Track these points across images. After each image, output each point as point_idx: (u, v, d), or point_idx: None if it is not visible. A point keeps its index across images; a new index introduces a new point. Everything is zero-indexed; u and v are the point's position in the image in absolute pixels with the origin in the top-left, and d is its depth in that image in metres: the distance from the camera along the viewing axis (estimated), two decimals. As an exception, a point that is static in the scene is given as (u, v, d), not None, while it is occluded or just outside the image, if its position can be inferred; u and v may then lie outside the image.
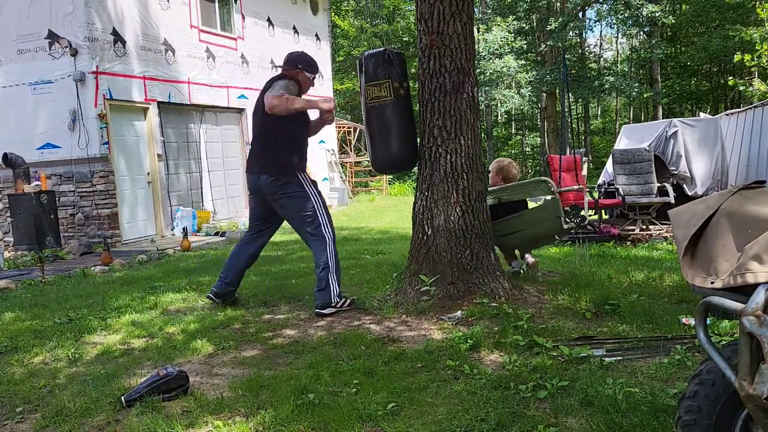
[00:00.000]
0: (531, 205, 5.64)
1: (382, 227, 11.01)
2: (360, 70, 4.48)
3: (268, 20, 13.93)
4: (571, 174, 8.29)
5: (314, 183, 4.50)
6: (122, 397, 2.91)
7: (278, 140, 4.36)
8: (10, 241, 9.13)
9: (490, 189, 5.12)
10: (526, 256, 5.31)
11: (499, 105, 26.56)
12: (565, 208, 5.93)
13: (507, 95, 24.60)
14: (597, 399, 2.62)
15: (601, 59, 34.39)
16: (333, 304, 4.33)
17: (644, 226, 7.95)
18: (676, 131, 8.26)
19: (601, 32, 36.84)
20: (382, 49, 4.45)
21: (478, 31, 22.69)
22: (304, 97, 4.43)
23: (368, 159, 18.16)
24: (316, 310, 4.34)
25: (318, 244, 4.38)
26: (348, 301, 4.44)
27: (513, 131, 35.19)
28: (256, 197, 4.56)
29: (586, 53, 31.76)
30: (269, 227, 4.71)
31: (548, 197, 5.21)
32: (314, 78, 4.60)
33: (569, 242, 7.21)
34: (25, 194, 8.69)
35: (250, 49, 13.09)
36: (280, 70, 4.57)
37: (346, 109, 27.92)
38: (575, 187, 7.68)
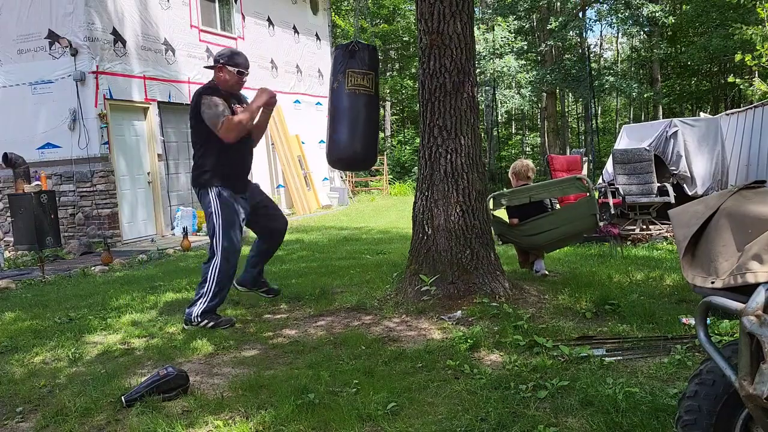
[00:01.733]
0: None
1: (382, 227, 11.01)
2: None
3: (268, 20, 13.93)
4: (572, 174, 8.28)
5: (235, 199, 4.17)
6: (122, 397, 2.91)
7: (203, 149, 4.18)
8: (10, 241, 9.13)
9: (523, 188, 5.08)
10: (542, 265, 5.27)
11: (499, 105, 26.55)
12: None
13: (507, 95, 24.59)
14: (597, 399, 2.62)
15: (602, 59, 34.39)
16: (193, 323, 4.12)
17: (644, 226, 7.95)
18: (676, 131, 8.26)
19: (601, 32, 36.86)
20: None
21: (479, 29, 22.68)
22: (245, 110, 4.16)
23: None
24: (184, 318, 4.21)
25: (208, 263, 4.19)
26: (220, 320, 4.17)
27: (513, 131, 35.18)
28: None
29: (586, 53, 31.73)
30: (259, 226, 4.50)
31: (547, 201, 5.20)
32: (240, 71, 4.27)
33: (591, 241, 7.14)
34: (25, 194, 8.69)
35: (250, 49, 13.06)
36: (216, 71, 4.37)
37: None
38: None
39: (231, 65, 4.23)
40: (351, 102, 4.31)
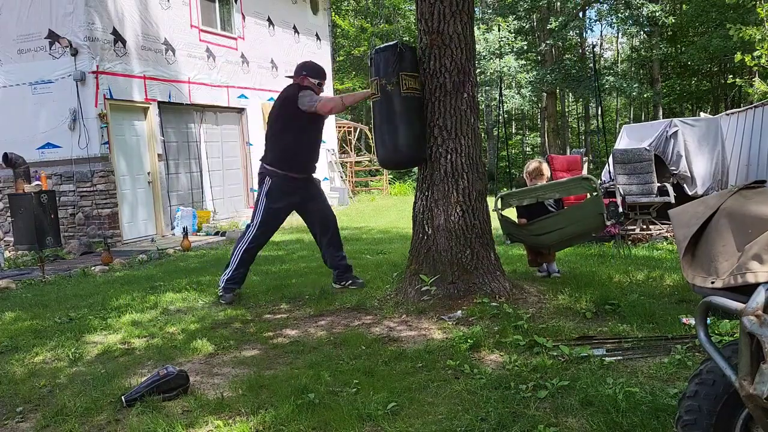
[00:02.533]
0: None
1: (383, 227, 11.00)
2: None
3: (269, 20, 13.93)
4: (572, 173, 8.29)
5: (278, 189, 4.78)
6: (123, 397, 2.92)
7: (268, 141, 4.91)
8: (10, 241, 9.12)
9: (530, 188, 5.06)
10: (554, 267, 5.26)
11: (506, 104, 26.55)
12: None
13: (507, 95, 24.60)
14: (597, 399, 2.62)
15: (602, 59, 34.35)
16: (220, 285, 4.93)
17: (644, 226, 7.95)
18: (676, 131, 8.26)
19: (601, 32, 36.80)
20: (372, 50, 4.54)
21: (479, 29, 22.67)
22: (352, 94, 4.98)
23: (368, 159, 17.88)
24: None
25: (240, 238, 4.97)
26: (224, 296, 4.85)
27: (513, 131, 35.17)
28: None
29: (587, 53, 31.76)
30: (314, 227, 5.12)
31: (553, 198, 5.20)
32: (320, 83, 4.92)
33: (591, 241, 7.11)
34: (25, 194, 8.68)
35: (250, 48, 13.08)
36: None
37: (347, 109, 27.90)
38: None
39: (312, 77, 4.91)
40: (407, 105, 4.35)
